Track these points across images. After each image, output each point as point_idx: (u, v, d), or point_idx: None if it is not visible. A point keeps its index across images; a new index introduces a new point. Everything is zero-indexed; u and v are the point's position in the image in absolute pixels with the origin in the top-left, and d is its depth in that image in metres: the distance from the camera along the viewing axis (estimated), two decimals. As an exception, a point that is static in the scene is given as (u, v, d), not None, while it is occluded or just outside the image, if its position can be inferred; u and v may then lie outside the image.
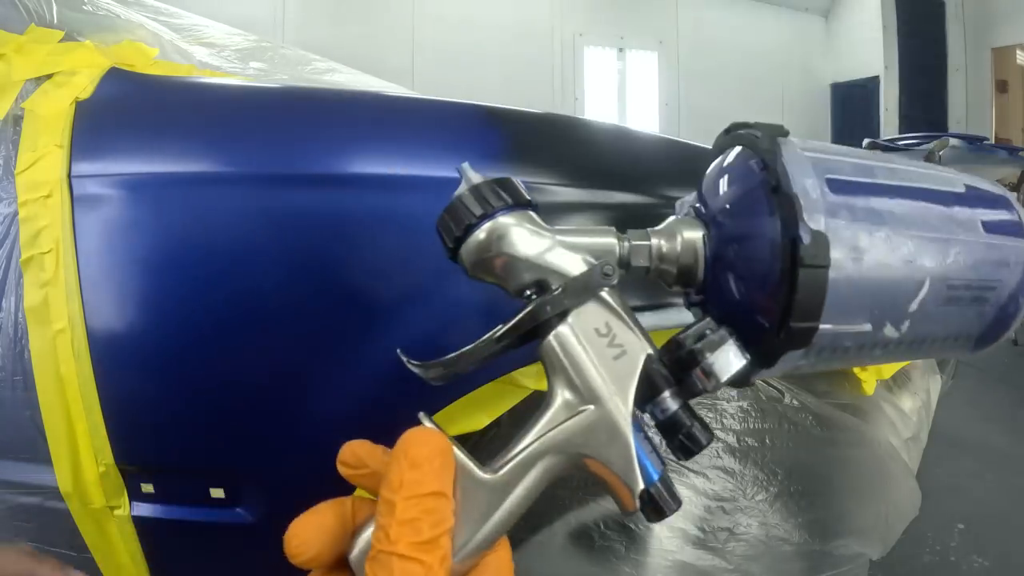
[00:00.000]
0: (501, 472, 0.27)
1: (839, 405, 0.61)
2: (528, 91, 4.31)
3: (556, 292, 0.30)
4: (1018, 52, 4.27)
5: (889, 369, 0.65)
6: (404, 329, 0.44)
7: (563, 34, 4.63)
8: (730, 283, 0.31)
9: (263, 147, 0.47)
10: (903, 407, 0.69)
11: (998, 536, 1.41)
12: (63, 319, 0.44)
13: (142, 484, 0.47)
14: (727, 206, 0.32)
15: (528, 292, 0.31)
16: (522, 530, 0.49)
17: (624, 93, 4.88)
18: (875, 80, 4.94)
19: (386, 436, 0.42)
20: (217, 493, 0.47)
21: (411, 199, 0.45)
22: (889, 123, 4.93)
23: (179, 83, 0.56)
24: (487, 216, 0.30)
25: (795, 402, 0.57)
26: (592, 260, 0.31)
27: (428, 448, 0.25)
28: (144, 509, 0.48)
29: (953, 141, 3.12)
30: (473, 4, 4.39)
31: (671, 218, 0.34)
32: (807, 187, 0.29)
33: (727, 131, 0.35)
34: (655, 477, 0.28)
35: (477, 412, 0.45)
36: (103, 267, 0.45)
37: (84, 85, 0.49)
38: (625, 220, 0.43)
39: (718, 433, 0.55)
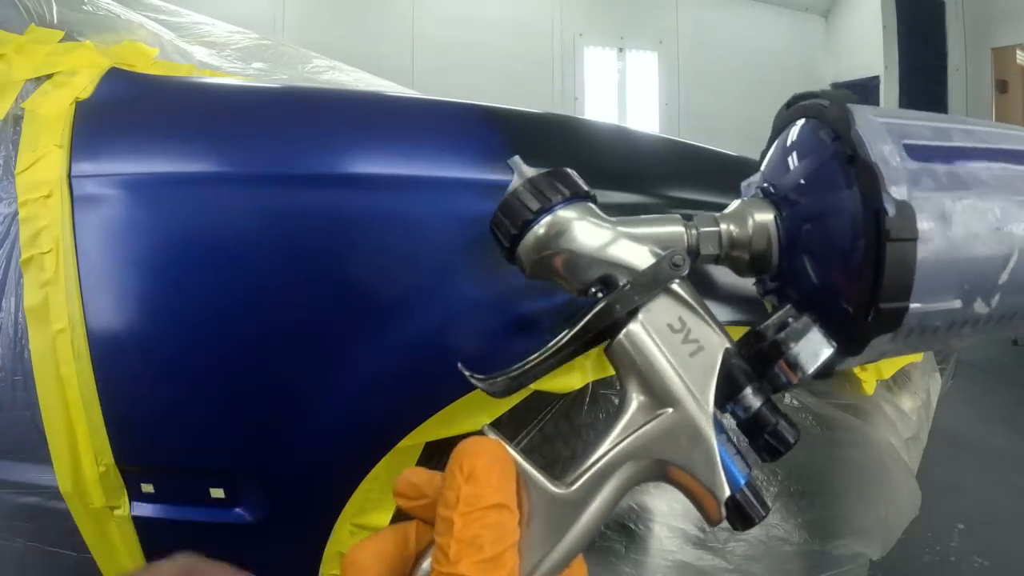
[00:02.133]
0: (576, 486, 0.25)
1: (839, 405, 0.61)
2: (528, 91, 4.31)
3: (624, 288, 0.27)
4: (1018, 52, 4.27)
5: (889, 369, 0.65)
6: (405, 329, 0.44)
7: (563, 34, 4.63)
8: (808, 266, 0.29)
9: (263, 147, 0.47)
10: (903, 407, 0.69)
11: (998, 536, 1.41)
12: (63, 319, 0.44)
13: (142, 484, 0.47)
14: (800, 183, 0.29)
15: (593, 290, 0.29)
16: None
17: (624, 93, 4.87)
18: (875, 80, 4.93)
19: (387, 436, 0.42)
20: (217, 493, 0.47)
21: (411, 199, 0.45)
22: (889, 123, 4.92)
23: (179, 83, 0.56)
24: (545, 210, 0.28)
25: (795, 402, 0.57)
26: (659, 251, 0.29)
27: (485, 458, 0.23)
28: (144, 509, 0.47)
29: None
30: (473, 4, 4.38)
31: (738, 201, 0.32)
32: (885, 154, 0.26)
33: (788, 104, 0.32)
34: (741, 482, 0.26)
35: (477, 412, 0.45)
36: (103, 267, 0.45)
37: (84, 85, 0.49)
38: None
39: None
